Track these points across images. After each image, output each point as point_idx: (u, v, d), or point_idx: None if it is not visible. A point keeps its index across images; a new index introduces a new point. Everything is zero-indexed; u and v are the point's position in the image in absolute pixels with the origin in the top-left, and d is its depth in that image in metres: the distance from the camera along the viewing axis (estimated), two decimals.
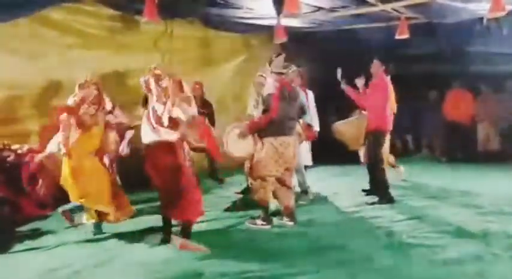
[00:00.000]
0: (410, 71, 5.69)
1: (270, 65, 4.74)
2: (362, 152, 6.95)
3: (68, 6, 5.75)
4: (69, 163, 4.29)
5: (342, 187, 6.63)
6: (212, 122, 5.96)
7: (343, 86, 5.82)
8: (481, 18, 6.73)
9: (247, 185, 6.17)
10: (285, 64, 4.73)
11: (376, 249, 4.01)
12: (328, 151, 6.83)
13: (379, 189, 5.60)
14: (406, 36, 6.67)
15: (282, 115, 4.55)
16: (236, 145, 4.65)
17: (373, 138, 5.52)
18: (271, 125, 4.55)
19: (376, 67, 5.55)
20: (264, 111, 4.59)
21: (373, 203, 5.46)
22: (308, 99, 5.46)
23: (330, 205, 5.66)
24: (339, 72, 5.85)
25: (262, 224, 4.70)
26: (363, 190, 5.96)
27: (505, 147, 8.60)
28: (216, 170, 6.90)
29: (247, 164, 5.07)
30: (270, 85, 4.65)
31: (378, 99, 5.47)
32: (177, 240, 4.03)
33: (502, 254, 3.82)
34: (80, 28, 6.00)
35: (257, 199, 4.74)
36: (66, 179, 4.35)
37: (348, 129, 6.02)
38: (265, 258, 3.84)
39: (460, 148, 8.96)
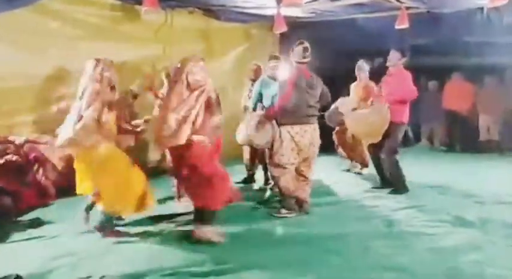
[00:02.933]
0: (410, 61, 5.65)
1: (291, 53, 4.74)
2: (342, 150, 7.01)
3: None
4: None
5: (344, 176, 6.69)
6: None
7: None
8: (482, 8, 6.70)
9: (248, 175, 6.25)
10: (305, 53, 4.69)
11: (375, 238, 4.06)
12: (330, 140, 6.84)
13: (394, 180, 5.55)
14: (406, 26, 6.65)
15: (297, 103, 4.57)
16: (256, 133, 4.71)
17: (394, 131, 5.37)
18: (287, 113, 4.58)
19: (395, 58, 5.44)
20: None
21: (390, 193, 5.47)
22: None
23: (330, 194, 5.70)
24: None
25: (287, 213, 4.71)
26: (374, 188, 5.82)
27: (504, 138, 8.62)
28: None
29: (265, 153, 5.10)
30: (286, 73, 4.67)
31: (401, 90, 5.32)
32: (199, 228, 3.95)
33: (500, 242, 3.87)
34: (80, 18, 5.97)
35: (279, 188, 4.76)
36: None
37: (362, 121, 5.65)
38: (265, 246, 3.89)
39: (460, 138, 8.99)
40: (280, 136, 4.63)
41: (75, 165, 4.08)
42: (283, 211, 4.74)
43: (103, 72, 3.98)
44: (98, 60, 4.03)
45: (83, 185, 4.09)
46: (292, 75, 4.69)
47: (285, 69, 4.97)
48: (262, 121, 4.70)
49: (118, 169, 3.98)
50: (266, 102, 5.36)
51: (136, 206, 4.03)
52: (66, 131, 3.89)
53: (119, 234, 4.13)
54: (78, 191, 4.15)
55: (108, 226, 4.12)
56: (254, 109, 5.51)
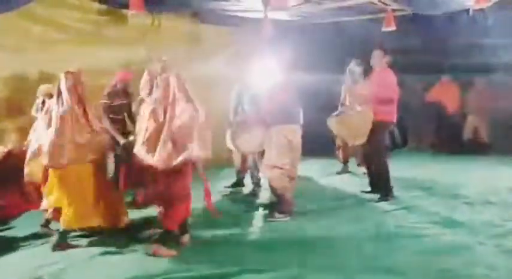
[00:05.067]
0: (396, 63, 5.67)
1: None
2: (340, 153, 7.04)
3: (52, 0, 5.67)
4: None
5: (335, 179, 6.71)
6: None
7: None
8: (467, 10, 6.76)
9: (237, 179, 6.21)
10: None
11: (366, 239, 4.05)
12: (317, 143, 6.84)
13: (381, 183, 5.45)
14: (392, 28, 6.67)
15: (287, 103, 4.65)
16: (244, 141, 4.70)
17: (379, 130, 5.33)
18: (278, 113, 4.62)
19: (378, 57, 5.41)
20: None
21: (377, 201, 5.32)
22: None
23: (321, 196, 5.69)
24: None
25: (280, 217, 4.69)
26: (363, 191, 5.76)
27: (491, 139, 8.68)
28: None
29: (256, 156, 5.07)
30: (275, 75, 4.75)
31: (385, 89, 5.28)
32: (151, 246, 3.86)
33: (489, 243, 3.88)
34: (65, 22, 5.91)
35: (274, 188, 4.73)
36: None
37: (347, 123, 5.64)
38: (256, 250, 3.87)
39: (447, 140, 9.04)
40: (272, 137, 4.62)
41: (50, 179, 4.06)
42: (277, 214, 4.72)
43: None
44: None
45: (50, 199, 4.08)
46: (287, 77, 4.73)
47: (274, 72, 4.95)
48: (249, 126, 4.69)
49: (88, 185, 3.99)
50: (249, 105, 5.37)
51: (109, 221, 4.10)
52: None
53: (70, 246, 4.04)
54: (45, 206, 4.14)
55: (62, 240, 4.04)
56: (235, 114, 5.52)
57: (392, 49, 5.60)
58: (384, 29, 6.73)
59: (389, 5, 6.67)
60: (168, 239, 3.88)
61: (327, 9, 7.01)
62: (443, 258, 3.57)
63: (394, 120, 5.50)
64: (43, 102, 4.66)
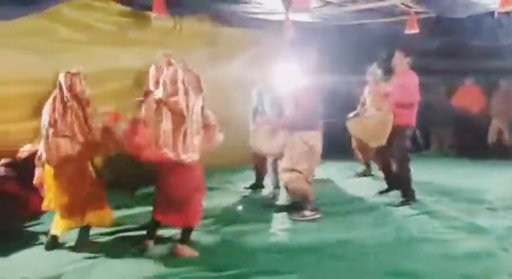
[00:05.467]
0: (420, 66, 5.61)
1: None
2: (359, 154, 7.00)
3: (79, 2, 5.77)
4: None
5: (356, 181, 6.68)
6: None
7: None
8: (492, 12, 6.66)
9: (256, 181, 6.23)
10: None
11: (387, 244, 4.02)
12: (337, 145, 6.83)
13: (402, 187, 5.39)
14: (416, 31, 6.61)
15: (313, 110, 4.69)
16: (265, 142, 4.74)
17: (399, 133, 5.25)
18: (303, 120, 4.64)
19: (399, 59, 5.34)
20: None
21: (398, 205, 5.25)
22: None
23: (341, 199, 5.67)
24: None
25: (312, 215, 4.73)
26: (380, 192, 5.76)
27: None
28: None
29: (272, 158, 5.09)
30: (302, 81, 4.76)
31: (407, 92, 5.21)
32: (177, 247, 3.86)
33: None
34: (91, 24, 6.01)
35: (293, 191, 4.75)
36: None
37: (364, 124, 5.70)
38: (273, 252, 3.87)
39: (471, 144, 8.90)
40: (293, 142, 4.64)
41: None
42: (307, 213, 4.74)
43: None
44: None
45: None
46: (308, 83, 4.73)
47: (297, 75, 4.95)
48: (274, 130, 4.73)
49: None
50: (270, 108, 5.39)
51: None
52: None
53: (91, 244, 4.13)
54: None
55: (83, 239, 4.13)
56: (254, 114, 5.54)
57: (416, 51, 5.53)
58: (407, 32, 6.67)
59: (412, 8, 6.61)
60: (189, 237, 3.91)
61: (349, 12, 6.99)
62: (465, 264, 3.53)
63: (414, 124, 5.43)
64: None
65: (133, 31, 6.47)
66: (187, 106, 3.67)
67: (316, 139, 4.73)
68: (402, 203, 5.28)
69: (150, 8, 5.77)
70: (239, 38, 8.00)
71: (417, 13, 6.77)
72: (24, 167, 4.98)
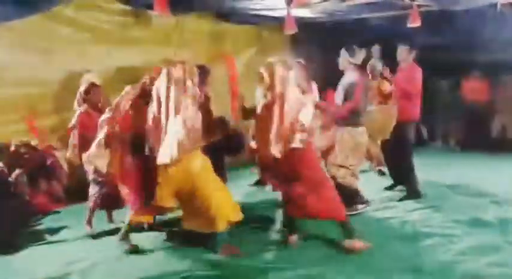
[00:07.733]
0: (423, 60, 5.57)
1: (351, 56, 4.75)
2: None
3: (80, 2, 5.78)
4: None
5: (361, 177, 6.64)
6: None
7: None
8: (495, 4, 6.61)
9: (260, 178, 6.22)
10: (365, 57, 4.84)
11: (391, 238, 4.02)
12: None
13: (406, 182, 5.41)
14: (418, 24, 6.57)
15: (362, 105, 4.68)
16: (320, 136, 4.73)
17: (403, 129, 5.27)
18: (351, 115, 4.62)
19: (404, 53, 5.31)
20: (344, 101, 4.64)
21: (401, 200, 5.27)
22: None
23: None
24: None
25: (363, 207, 4.82)
26: (385, 188, 5.75)
27: None
28: None
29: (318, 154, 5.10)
30: (351, 76, 4.68)
31: (410, 85, 5.20)
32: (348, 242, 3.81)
33: None
34: (93, 24, 6.03)
35: (343, 186, 4.66)
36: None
37: (371, 119, 5.45)
38: (278, 248, 3.88)
39: (475, 137, 8.86)
40: (343, 138, 4.65)
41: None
42: (359, 206, 4.80)
43: None
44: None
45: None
46: (360, 78, 4.68)
47: (350, 73, 4.88)
48: (326, 124, 4.71)
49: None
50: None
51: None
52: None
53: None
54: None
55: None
56: None
57: (419, 45, 5.50)
58: (409, 25, 6.63)
59: (414, 1, 6.57)
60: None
61: (350, 6, 6.96)
62: (471, 258, 3.52)
63: (417, 118, 5.42)
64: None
65: (135, 30, 6.48)
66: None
67: (363, 135, 4.71)
68: (406, 198, 5.28)
69: (151, 7, 5.77)
70: (241, 34, 8.00)
71: (419, 6, 6.73)
72: (29, 167, 5.03)
